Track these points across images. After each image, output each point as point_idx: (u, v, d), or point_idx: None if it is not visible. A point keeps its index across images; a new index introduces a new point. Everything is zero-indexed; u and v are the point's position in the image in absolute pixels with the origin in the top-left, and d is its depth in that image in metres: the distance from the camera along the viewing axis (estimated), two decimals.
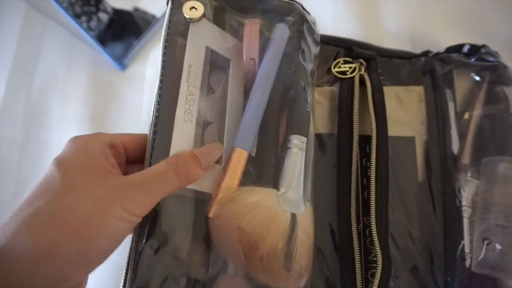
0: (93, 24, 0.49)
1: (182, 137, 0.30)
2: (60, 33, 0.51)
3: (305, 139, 0.32)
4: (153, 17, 0.52)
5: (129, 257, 0.27)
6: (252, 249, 0.27)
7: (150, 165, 0.28)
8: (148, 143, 0.29)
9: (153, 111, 0.30)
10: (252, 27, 0.33)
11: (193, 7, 0.33)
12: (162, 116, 0.30)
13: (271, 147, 0.32)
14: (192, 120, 0.31)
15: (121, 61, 0.50)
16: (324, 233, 0.37)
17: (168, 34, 0.32)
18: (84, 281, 0.24)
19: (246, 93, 0.34)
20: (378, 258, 0.34)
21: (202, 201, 0.29)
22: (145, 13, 0.52)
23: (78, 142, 0.27)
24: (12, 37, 0.50)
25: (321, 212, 0.37)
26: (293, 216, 0.29)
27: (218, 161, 0.30)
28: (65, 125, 0.47)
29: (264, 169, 0.31)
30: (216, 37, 0.34)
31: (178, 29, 0.32)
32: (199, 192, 0.29)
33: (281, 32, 0.34)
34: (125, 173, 0.27)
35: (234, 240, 0.27)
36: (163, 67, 0.31)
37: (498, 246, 0.35)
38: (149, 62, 0.51)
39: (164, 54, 0.31)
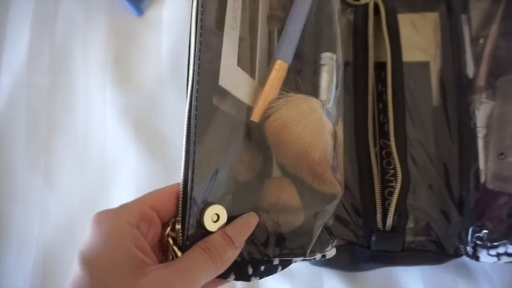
0: None
1: (231, 44, 0.29)
2: None
3: (335, 56, 0.33)
4: None
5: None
6: (305, 153, 0.29)
7: (192, 87, 0.26)
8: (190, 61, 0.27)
9: (194, 25, 0.27)
10: None
11: None
12: (207, 25, 0.27)
13: (309, 62, 0.33)
14: (237, 29, 0.30)
15: (138, 6, 0.51)
16: (344, 156, 0.38)
17: None
18: None
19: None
20: (397, 172, 0.36)
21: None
22: None
23: (102, 227, 0.23)
24: None
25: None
26: (334, 127, 0.31)
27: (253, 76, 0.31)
28: (89, 70, 0.49)
29: (304, 82, 0.32)
30: None
31: None
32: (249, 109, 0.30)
33: None
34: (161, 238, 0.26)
35: (290, 143, 0.29)
36: None
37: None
38: (165, 7, 0.52)
39: None
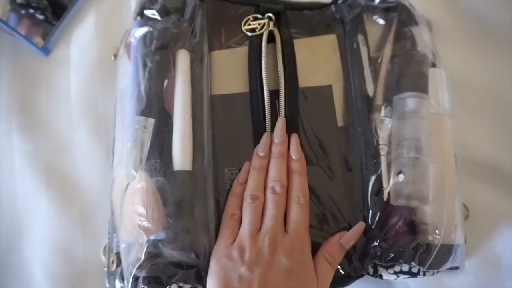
0: None
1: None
2: None
3: (140, 118, 0.36)
4: None
5: None
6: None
7: None
8: None
9: None
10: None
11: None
12: None
13: None
14: None
15: (44, 46, 0.50)
16: None
17: None
18: None
19: None
20: None
21: None
22: None
23: None
24: None
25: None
26: (127, 185, 0.35)
27: None
28: None
29: None
30: None
31: None
32: None
33: None
34: None
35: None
36: None
37: (410, 177, 0.37)
38: (72, 45, 0.51)
39: None
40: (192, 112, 0.37)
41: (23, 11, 0.50)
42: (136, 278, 0.33)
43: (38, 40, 0.50)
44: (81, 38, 0.51)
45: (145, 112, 0.36)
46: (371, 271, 0.37)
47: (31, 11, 0.50)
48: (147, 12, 0.39)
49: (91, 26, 0.51)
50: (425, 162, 0.37)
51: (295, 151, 0.37)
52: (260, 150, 0.37)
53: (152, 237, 0.34)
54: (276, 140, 0.37)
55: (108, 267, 0.38)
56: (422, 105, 0.38)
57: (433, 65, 0.41)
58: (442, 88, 0.40)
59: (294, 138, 0.38)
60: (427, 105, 0.38)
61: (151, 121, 0.36)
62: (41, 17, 0.51)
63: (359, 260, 0.37)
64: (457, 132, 0.40)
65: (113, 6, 0.51)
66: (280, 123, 0.38)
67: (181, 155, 0.36)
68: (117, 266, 0.37)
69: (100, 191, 0.45)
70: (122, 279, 0.36)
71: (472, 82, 0.48)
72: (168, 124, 0.36)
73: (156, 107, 0.36)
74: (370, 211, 0.37)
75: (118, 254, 0.37)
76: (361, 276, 0.37)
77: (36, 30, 0.50)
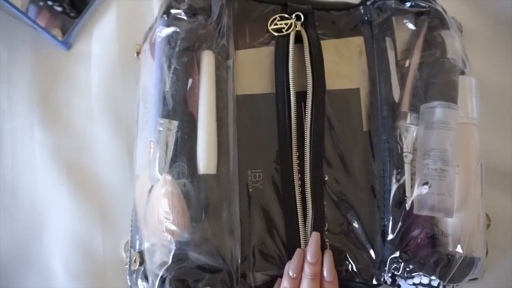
0: None
1: None
2: None
3: (164, 120, 0.35)
4: None
5: None
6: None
7: None
8: None
9: None
10: None
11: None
12: None
13: None
14: None
15: (65, 40, 0.49)
16: (269, 189, 0.38)
17: None
18: None
19: None
20: (308, 208, 0.37)
21: None
22: None
23: None
24: None
25: (266, 170, 0.39)
26: (151, 187, 0.35)
27: None
28: (15, 110, 0.47)
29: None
30: None
31: None
32: None
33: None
34: None
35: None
36: None
37: (436, 189, 0.36)
38: (93, 39, 0.50)
39: None
40: (218, 115, 0.37)
41: (41, 3, 0.49)
42: (162, 280, 0.33)
43: (57, 32, 0.49)
44: (102, 33, 0.50)
45: (170, 114, 0.36)
46: (389, 281, 0.37)
47: (50, 2, 0.50)
48: (174, 12, 0.38)
49: (112, 21, 0.50)
50: (451, 174, 0.36)
51: (329, 272, 0.35)
52: (292, 270, 0.35)
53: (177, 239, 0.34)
54: (309, 259, 0.35)
55: (130, 265, 0.39)
56: (451, 115, 0.37)
57: (462, 72, 0.40)
58: (471, 97, 0.39)
59: (328, 257, 0.36)
60: (456, 115, 0.38)
61: (175, 123, 0.36)
62: (59, 9, 0.50)
63: (378, 268, 0.37)
64: (481, 139, 0.40)
65: (135, 2, 0.51)
66: (314, 239, 0.36)
67: (205, 158, 0.35)
68: (140, 264, 0.37)
69: (120, 186, 0.45)
70: (145, 278, 0.36)
71: (499, 87, 0.47)
72: (194, 127, 0.36)
73: (182, 110, 0.36)
74: (391, 220, 0.37)
75: (141, 253, 0.37)
76: (379, 285, 0.37)
77: (54, 22, 0.49)
